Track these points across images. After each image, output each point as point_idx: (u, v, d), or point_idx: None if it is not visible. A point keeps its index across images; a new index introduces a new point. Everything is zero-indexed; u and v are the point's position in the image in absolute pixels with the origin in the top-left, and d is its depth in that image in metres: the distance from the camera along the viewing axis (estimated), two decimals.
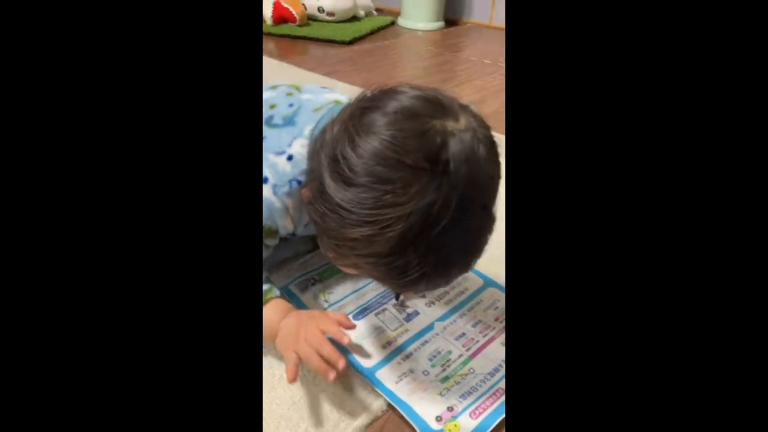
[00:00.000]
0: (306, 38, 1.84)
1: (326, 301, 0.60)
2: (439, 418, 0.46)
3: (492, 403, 0.47)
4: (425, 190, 0.35)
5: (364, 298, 0.61)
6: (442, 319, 0.58)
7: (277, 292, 0.51)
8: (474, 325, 0.57)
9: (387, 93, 0.40)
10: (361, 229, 0.36)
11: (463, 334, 0.56)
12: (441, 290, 0.62)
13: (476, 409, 0.47)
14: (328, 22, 2.06)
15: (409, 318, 0.58)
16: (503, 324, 0.57)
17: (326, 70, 1.47)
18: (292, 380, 0.44)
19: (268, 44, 1.78)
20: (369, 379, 0.50)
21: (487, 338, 0.55)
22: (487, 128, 0.41)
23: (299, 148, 0.49)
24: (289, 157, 0.49)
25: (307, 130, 0.49)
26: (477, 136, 0.38)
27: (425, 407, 0.47)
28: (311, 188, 0.41)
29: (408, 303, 0.60)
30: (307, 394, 0.49)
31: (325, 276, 0.64)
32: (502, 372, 0.51)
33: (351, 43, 1.84)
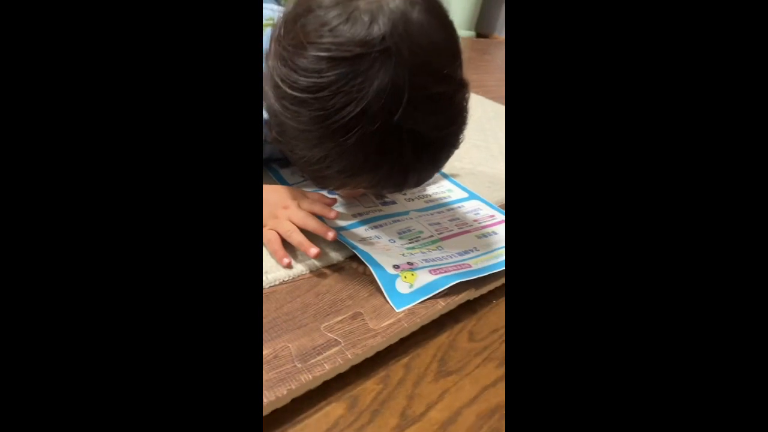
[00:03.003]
0: None
1: (302, 177, 0.59)
2: (396, 266, 0.43)
3: (454, 270, 0.44)
4: (371, 77, 0.32)
5: None
6: (418, 210, 0.56)
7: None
8: (451, 220, 0.55)
9: None
10: (325, 145, 0.35)
11: (438, 223, 0.54)
12: (422, 192, 0.61)
13: (437, 269, 0.44)
14: None
15: (385, 203, 0.56)
16: (481, 224, 0.55)
17: None
18: (286, 263, 0.43)
19: None
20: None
21: (462, 230, 0.53)
22: None
23: None
24: None
25: None
26: (410, 1, 0.35)
27: (385, 258, 0.44)
28: (273, 126, 0.39)
29: (387, 195, 0.58)
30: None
31: None
32: (473, 254, 0.48)
33: None
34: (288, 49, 0.35)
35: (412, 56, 0.33)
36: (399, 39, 0.33)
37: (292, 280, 0.42)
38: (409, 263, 0.44)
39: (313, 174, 0.40)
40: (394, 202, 0.57)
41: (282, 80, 0.35)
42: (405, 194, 0.60)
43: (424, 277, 0.42)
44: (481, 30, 2.40)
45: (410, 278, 0.42)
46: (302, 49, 0.34)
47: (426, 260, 0.45)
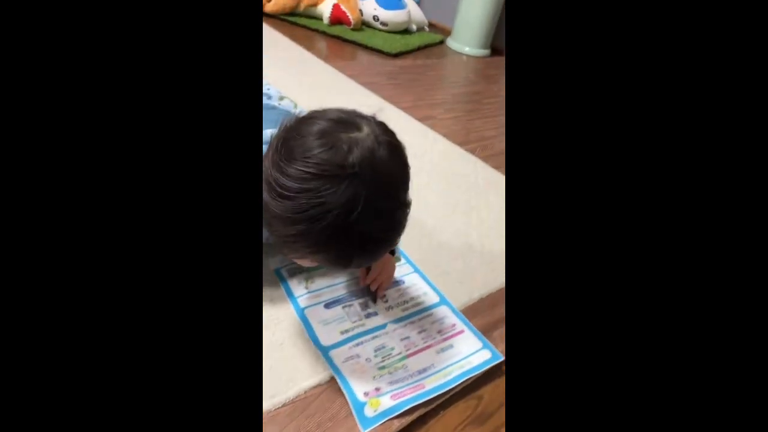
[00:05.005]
0: (356, 43, 1.97)
1: (306, 288, 0.75)
2: (366, 393, 0.59)
3: (410, 393, 0.60)
4: (340, 190, 0.45)
5: (337, 293, 0.75)
6: (395, 321, 0.72)
7: None
8: (419, 333, 0.70)
9: (303, 121, 0.51)
10: (297, 226, 0.48)
11: (408, 337, 0.69)
12: (400, 298, 0.76)
13: (397, 394, 0.60)
14: (380, 30, 2.19)
15: (368, 315, 0.72)
16: (443, 336, 0.70)
17: (365, 80, 1.60)
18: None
19: (319, 43, 1.92)
20: (323, 355, 0.64)
21: (426, 345, 0.68)
22: (389, 133, 0.51)
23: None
24: None
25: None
26: (378, 141, 0.49)
27: (359, 384, 0.60)
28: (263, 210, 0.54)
29: (370, 306, 0.74)
30: (271, 356, 0.63)
31: (313, 267, 0.79)
32: (428, 373, 0.64)
33: (396, 56, 1.95)
34: (283, 160, 0.49)
35: (372, 180, 0.47)
36: (365, 167, 0.47)
37: (291, 402, 0.58)
38: (376, 388, 0.60)
39: (284, 245, 0.54)
40: (376, 314, 0.72)
41: (274, 180, 0.49)
42: (386, 301, 0.75)
43: (386, 402, 0.58)
44: (498, 45, 2.44)
45: (375, 404, 0.58)
46: (293, 161, 0.48)
47: (391, 383, 0.61)
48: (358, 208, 0.46)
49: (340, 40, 1.98)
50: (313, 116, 0.52)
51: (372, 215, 0.48)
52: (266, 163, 0.51)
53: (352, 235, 0.48)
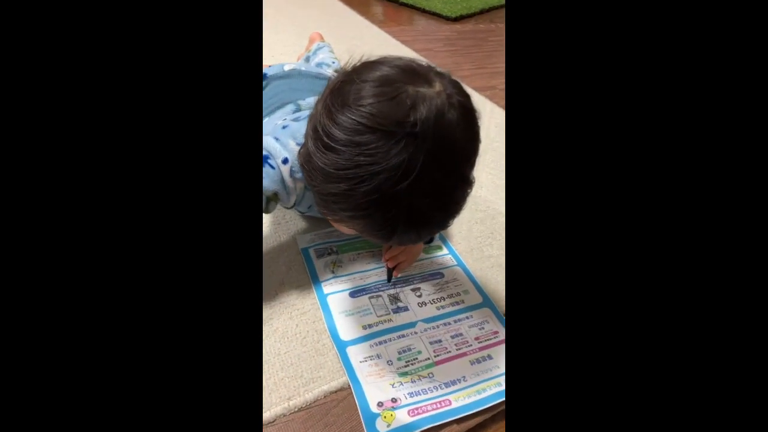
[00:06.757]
0: (414, 7, 1.84)
1: (332, 272, 0.67)
2: (380, 404, 0.51)
3: (432, 410, 0.51)
4: (393, 151, 0.39)
5: (365, 281, 0.67)
6: (427, 320, 0.62)
7: None
8: (453, 337, 0.61)
9: (368, 65, 0.44)
10: (339, 185, 0.41)
11: (440, 341, 0.60)
12: (437, 294, 0.66)
13: (416, 408, 0.51)
14: None
15: (397, 311, 0.63)
16: (480, 344, 0.60)
17: (420, 46, 1.48)
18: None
19: (374, 8, 1.81)
20: (339, 351, 0.57)
21: (459, 352, 0.59)
22: (464, 95, 0.44)
23: None
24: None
25: None
26: (450, 101, 0.41)
27: (374, 391, 0.53)
28: (302, 153, 0.48)
29: (401, 297, 0.65)
30: (292, 351, 0.57)
31: (343, 250, 0.71)
32: (457, 387, 0.54)
33: (456, 20, 1.80)
34: (335, 105, 0.42)
35: (433, 147, 0.40)
36: (428, 129, 0.40)
37: (308, 407, 0.52)
38: (393, 399, 0.52)
39: (322, 203, 0.48)
40: (406, 308, 0.64)
41: (322, 127, 0.43)
42: (420, 295, 0.66)
43: (402, 418, 0.50)
44: None
45: (389, 418, 0.50)
46: (347, 109, 0.41)
47: (411, 393, 0.53)
48: (412, 176, 0.39)
49: (397, 4, 1.87)
50: (379, 61, 0.45)
51: (427, 187, 0.40)
52: (318, 107, 0.45)
53: (400, 206, 0.41)
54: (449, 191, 0.44)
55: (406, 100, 0.40)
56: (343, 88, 0.43)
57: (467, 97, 0.45)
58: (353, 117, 0.40)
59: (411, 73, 0.43)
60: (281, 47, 1.32)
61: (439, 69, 0.45)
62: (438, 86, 0.42)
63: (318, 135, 0.43)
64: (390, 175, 0.39)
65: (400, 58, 0.46)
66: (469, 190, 0.46)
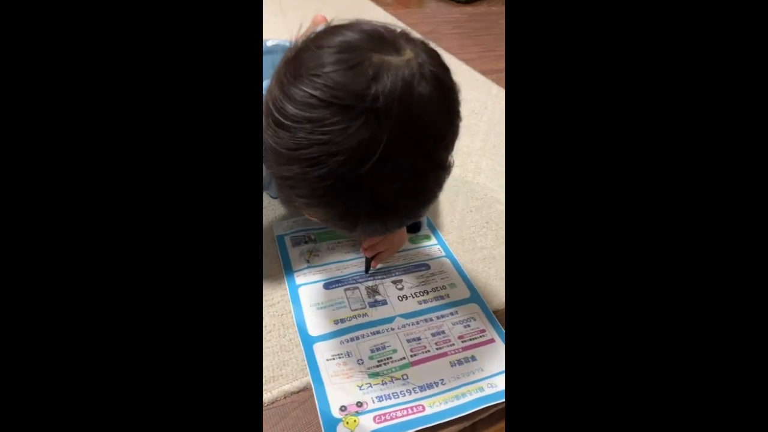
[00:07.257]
0: None
1: (307, 261, 0.62)
2: (343, 408, 0.46)
3: (402, 416, 0.46)
4: (352, 128, 0.33)
5: (342, 272, 0.61)
6: (406, 316, 0.57)
7: None
8: (434, 335, 0.55)
9: (330, 30, 0.38)
10: (292, 167, 0.36)
11: (418, 338, 0.54)
12: (419, 288, 0.60)
13: (384, 414, 0.46)
14: None
15: (374, 304, 0.58)
16: (464, 344, 0.54)
17: (426, 28, 1.41)
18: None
19: None
20: (304, 347, 0.52)
21: (439, 352, 0.53)
22: (440, 66, 0.37)
23: None
24: None
25: None
26: (422, 72, 0.35)
27: (338, 393, 0.47)
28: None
29: (380, 290, 0.60)
30: None
31: (321, 238, 0.66)
32: (433, 391, 0.49)
33: (468, 2, 1.73)
34: (287, 76, 0.37)
35: (399, 123, 0.34)
36: (392, 104, 0.34)
37: (266, 407, 0.46)
38: (359, 403, 0.47)
39: (278, 188, 0.43)
40: (384, 302, 0.58)
41: (273, 102, 0.37)
42: (401, 289, 0.60)
43: (366, 424, 0.45)
44: None
45: (352, 425, 0.45)
46: (300, 80, 0.36)
47: (380, 397, 0.47)
48: (374, 158, 0.34)
49: None
50: (344, 25, 0.39)
51: (392, 172, 0.35)
52: (272, 82, 0.39)
53: (360, 193, 0.36)
54: (418, 177, 0.38)
55: (368, 70, 0.34)
56: (298, 57, 0.38)
57: (445, 68, 0.38)
58: (306, 89, 0.35)
59: (378, 39, 0.37)
60: (285, 30, 1.27)
61: (414, 35, 0.39)
62: (408, 53, 0.36)
63: (269, 111, 0.37)
64: (348, 156, 0.34)
65: (369, 23, 0.39)
66: (444, 175, 0.40)
